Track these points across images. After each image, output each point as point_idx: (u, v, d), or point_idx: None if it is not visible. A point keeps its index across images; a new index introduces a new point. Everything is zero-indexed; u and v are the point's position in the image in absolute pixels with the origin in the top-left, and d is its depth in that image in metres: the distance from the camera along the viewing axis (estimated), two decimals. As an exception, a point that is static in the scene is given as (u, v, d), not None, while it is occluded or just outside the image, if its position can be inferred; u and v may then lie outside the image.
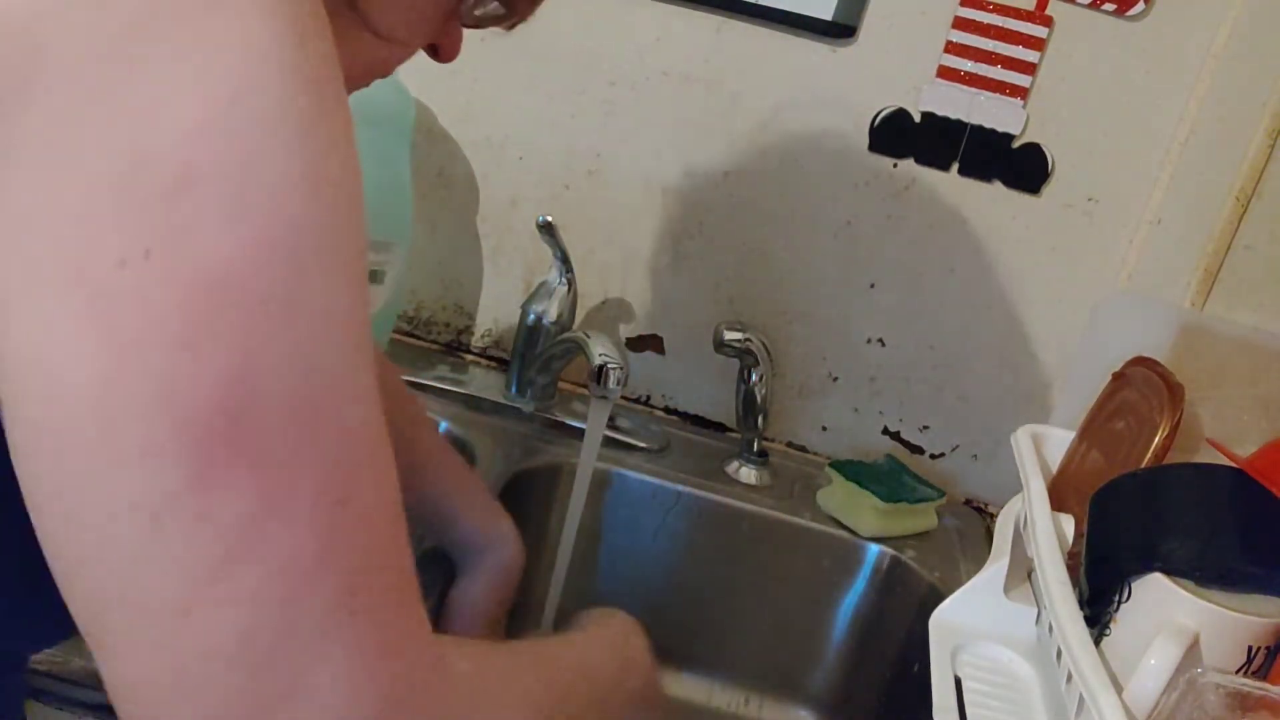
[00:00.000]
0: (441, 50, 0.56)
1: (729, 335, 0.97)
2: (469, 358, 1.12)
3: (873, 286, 1.04)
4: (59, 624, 0.44)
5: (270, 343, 0.33)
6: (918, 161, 0.99)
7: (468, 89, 1.03)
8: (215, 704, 0.34)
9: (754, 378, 1.00)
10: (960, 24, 0.95)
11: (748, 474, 1.01)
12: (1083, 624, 0.62)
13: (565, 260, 0.99)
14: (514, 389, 1.03)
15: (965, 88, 0.96)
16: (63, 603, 0.38)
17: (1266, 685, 0.55)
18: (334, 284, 0.34)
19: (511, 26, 0.56)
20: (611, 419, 1.02)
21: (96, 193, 0.31)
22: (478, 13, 0.54)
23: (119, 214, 0.31)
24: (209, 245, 0.31)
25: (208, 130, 0.31)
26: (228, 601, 0.33)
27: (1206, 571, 0.61)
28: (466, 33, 0.58)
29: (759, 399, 1.00)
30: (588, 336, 0.88)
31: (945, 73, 0.96)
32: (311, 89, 0.33)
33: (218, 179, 0.31)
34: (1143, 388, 0.80)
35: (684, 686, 1.00)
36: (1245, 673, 0.60)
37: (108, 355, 0.31)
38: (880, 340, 1.06)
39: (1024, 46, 0.94)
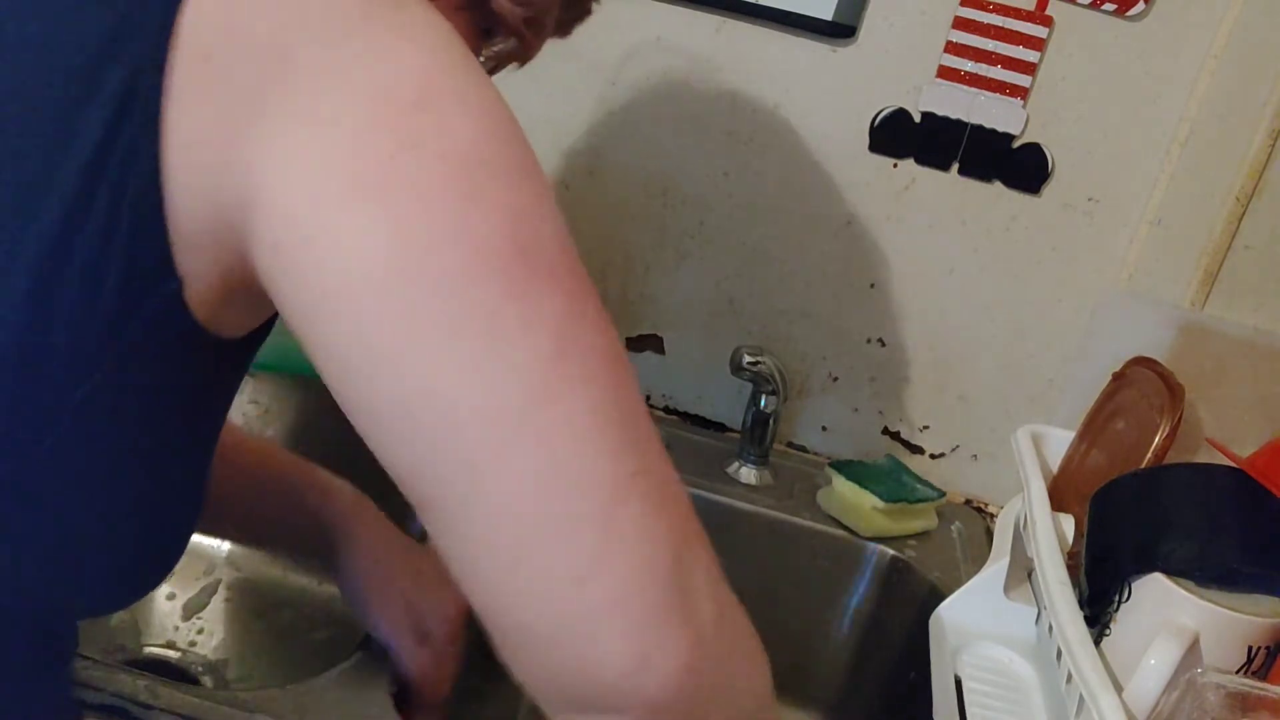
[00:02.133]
0: None
1: (748, 359, 0.97)
2: (469, 358, 1.12)
3: (873, 286, 1.04)
4: (110, 591, 0.48)
5: (531, 197, 0.40)
6: (918, 161, 0.99)
7: (468, 89, 1.03)
8: (657, 588, 0.37)
9: (765, 402, 1.00)
10: (960, 24, 0.95)
11: (748, 474, 1.01)
12: (1083, 624, 0.62)
13: (565, 260, 0.99)
14: (514, 389, 1.03)
15: (965, 88, 0.96)
16: (111, 572, 0.45)
17: (1266, 685, 0.55)
18: (538, 168, 0.41)
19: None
20: (611, 419, 1.02)
21: (359, 124, 0.38)
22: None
23: (379, 127, 0.38)
24: (459, 136, 0.39)
25: (429, 69, 0.39)
26: (567, 392, 0.38)
27: (1206, 571, 0.61)
28: None
29: (770, 423, 1.01)
30: (588, 336, 0.88)
31: (945, 73, 0.96)
32: (471, 56, 0.41)
33: (447, 94, 0.39)
34: (1143, 388, 0.80)
35: (684, 686, 1.00)
36: (1245, 673, 0.60)
37: (395, 226, 0.37)
38: (880, 340, 1.06)
39: (1024, 46, 0.94)
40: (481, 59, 0.58)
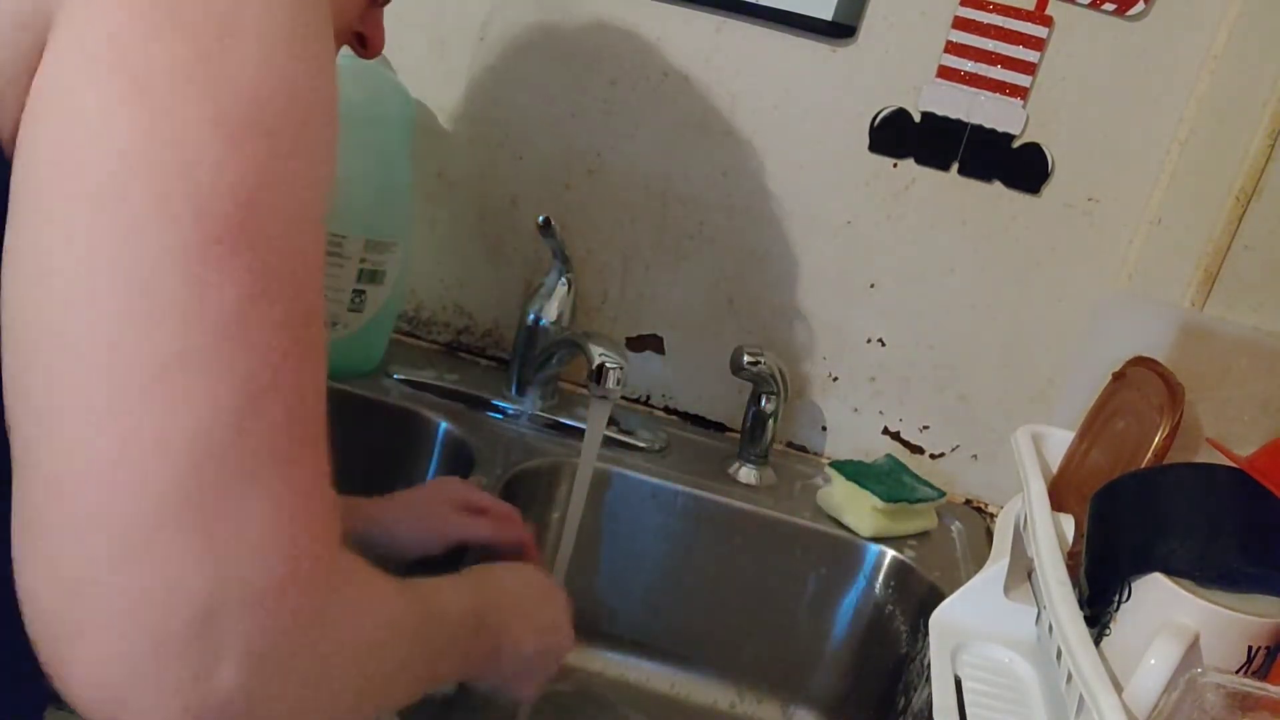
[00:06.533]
0: (368, 41, 0.59)
1: (748, 359, 0.97)
2: (469, 358, 1.12)
3: (873, 286, 1.04)
4: None
5: (282, 165, 0.37)
6: (918, 161, 0.99)
7: (468, 89, 1.03)
8: (154, 495, 0.34)
9: (765, 402, 1.00)
10: (960, 24, 0.95)
11: (748, 474, 1.01)
12: (1083, 624, 0.62)
13: (565, 260, 0.99)
14: (514, 389, 1.03)
15: (965, 88, 0.96)
16: None
17: (1266, 685, 0.55)
18: (321, 152, 0.40)
19: None
20: (612, 419, 1.02)
21: (151, 22, 0.36)
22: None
23: (175, 36, 0.36)
24: (250, 73, 0.37)
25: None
26: (195, 390, 0.34)
27: (1206, 571, 0.61)
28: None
29: (768, 424, 1.01)
30: (587, 336, 0.88)
31: (945, 73, 0.96)
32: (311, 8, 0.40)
33: (256, 31, 0.37)
34: (1143, 388, 0.80)
35: (684, 686, 1.00)
36: (1245, 673, 0.60)
37: (147, 119, 0.35)
38: (880, 340, 1.06)
39: (1024, 46, 0.94)
40: None
